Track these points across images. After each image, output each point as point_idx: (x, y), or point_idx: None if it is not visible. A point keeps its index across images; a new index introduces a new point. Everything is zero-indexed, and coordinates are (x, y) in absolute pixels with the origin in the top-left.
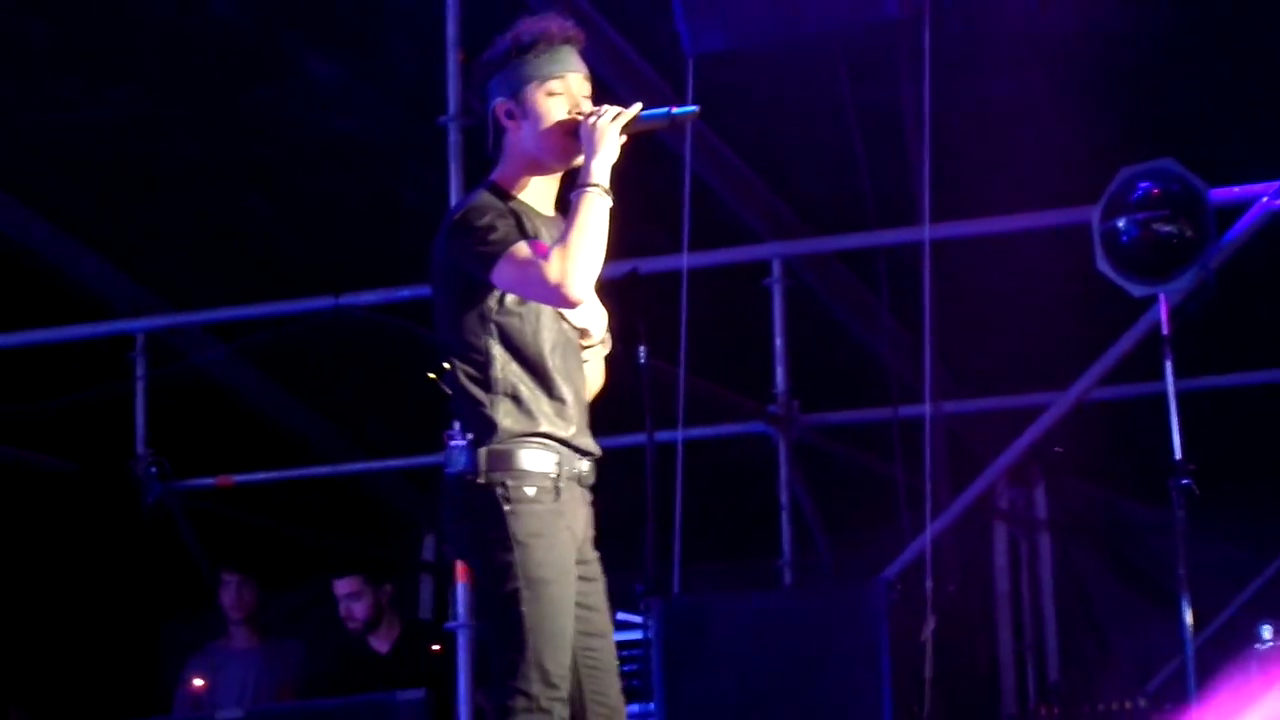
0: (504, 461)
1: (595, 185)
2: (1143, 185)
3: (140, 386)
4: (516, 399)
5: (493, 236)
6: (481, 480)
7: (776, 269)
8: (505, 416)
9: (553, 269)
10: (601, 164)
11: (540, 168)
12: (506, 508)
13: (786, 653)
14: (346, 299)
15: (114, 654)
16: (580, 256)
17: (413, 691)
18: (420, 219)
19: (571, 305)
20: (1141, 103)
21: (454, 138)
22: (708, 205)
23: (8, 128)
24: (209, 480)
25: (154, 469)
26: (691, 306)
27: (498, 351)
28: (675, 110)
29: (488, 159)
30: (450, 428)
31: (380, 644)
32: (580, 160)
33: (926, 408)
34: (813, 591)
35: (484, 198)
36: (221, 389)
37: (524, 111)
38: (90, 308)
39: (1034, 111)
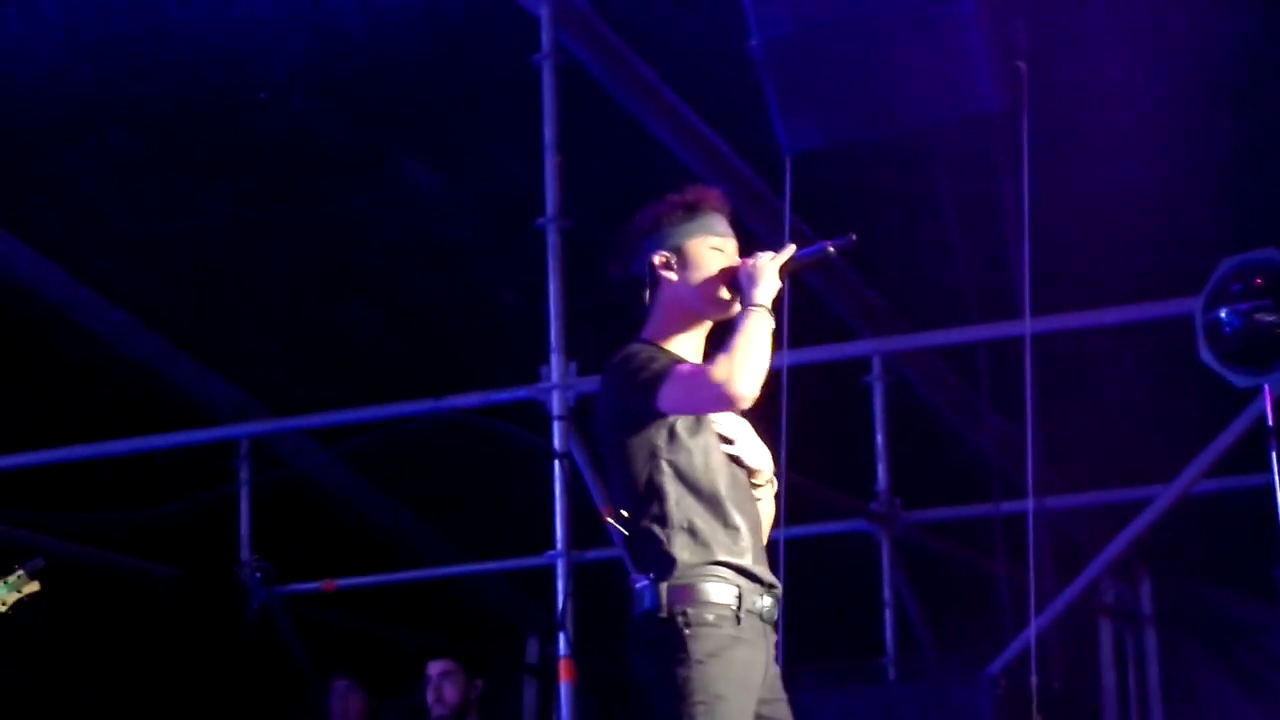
0: (685, 594)
1: (758, 305)
2: (1245, 275)
3: (244, 492)
4: (693, 532)
5: (655, 365)
6: (664, 614)
7: (876, 366)
8: (683, 550)
9: (719, 370)
10: (764, 292)
11: (693, 319)
12: (687, 631)
13: None
14: (447, 401)
15: None
16: (746, 357)
17: None
18: (519, 321)
19: (740, 403)
20: (1244, 191)
21: (552, 239)
22: (807, 303)
23: (112, 239)
24: (313, 585)
25: (258, 575)
26: (792, 405)
27: (671, 488)
28: (832, 245)
29: (585, 261)
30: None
31: None
32: (735, 311)
33: (1029, 503)
34: (917, 688)
35: (636, 346)
36: (324, 493)
37: (684, 262)
38: (195, 415)
39: (1135, 202)
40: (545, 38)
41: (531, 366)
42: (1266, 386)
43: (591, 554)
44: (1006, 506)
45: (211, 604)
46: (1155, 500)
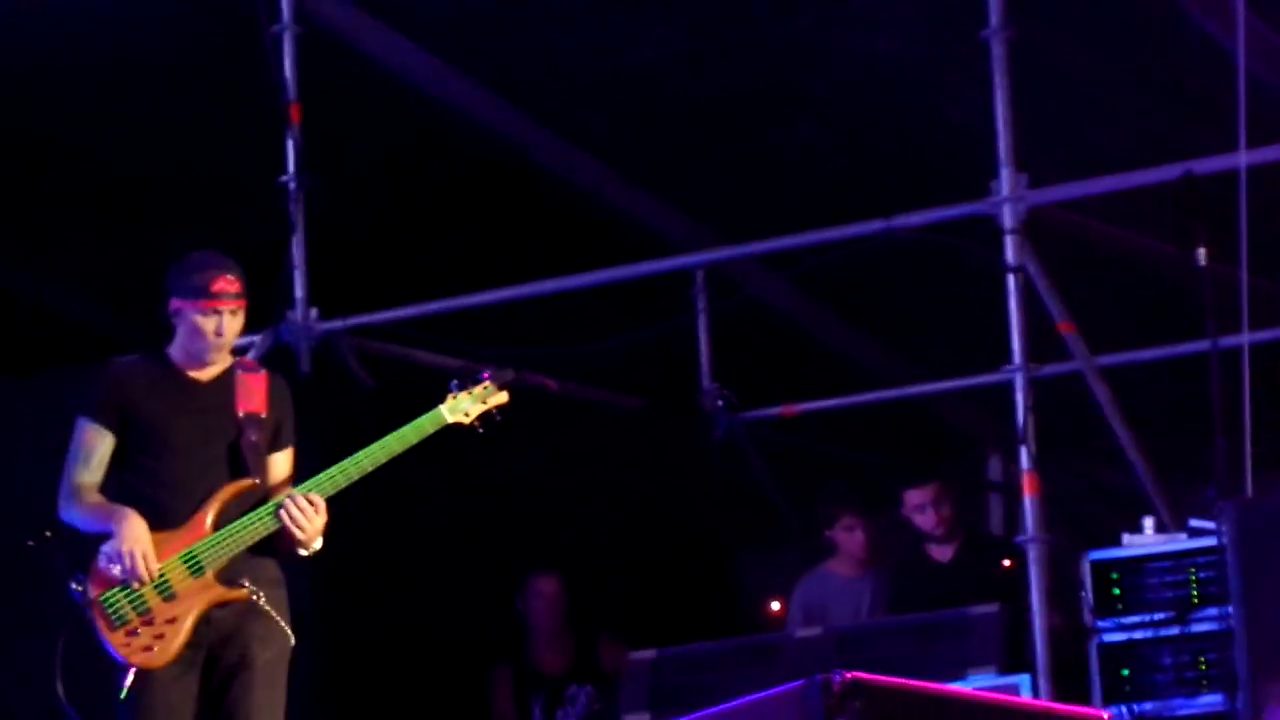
0: None
1: None
2: None
3: (702, 321)
4: None
5: None
6: None
7: None
8: None
9: None
10: None
11: None
12: None
13: None
14: (898, 220)
15: (693, 582)
16: None
17: (986, 607)
18: (966, 136)
19: None
20: None
21: (997, 51)
22: (1263, 101)
23: (559, 76)
24: (774, 410)
25: (721, 402)
26: (1252, 205)
27: None
28: None
29: (1032, 71)
30: None
31: (941, 553)
32: None
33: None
34: None
35: None
36: (780, 318)
37: None
38: (649, 246)
39: None
40: None
41: (982, 182)
42: None
43: (1048, 369)
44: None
45: (677, 432)
46: None
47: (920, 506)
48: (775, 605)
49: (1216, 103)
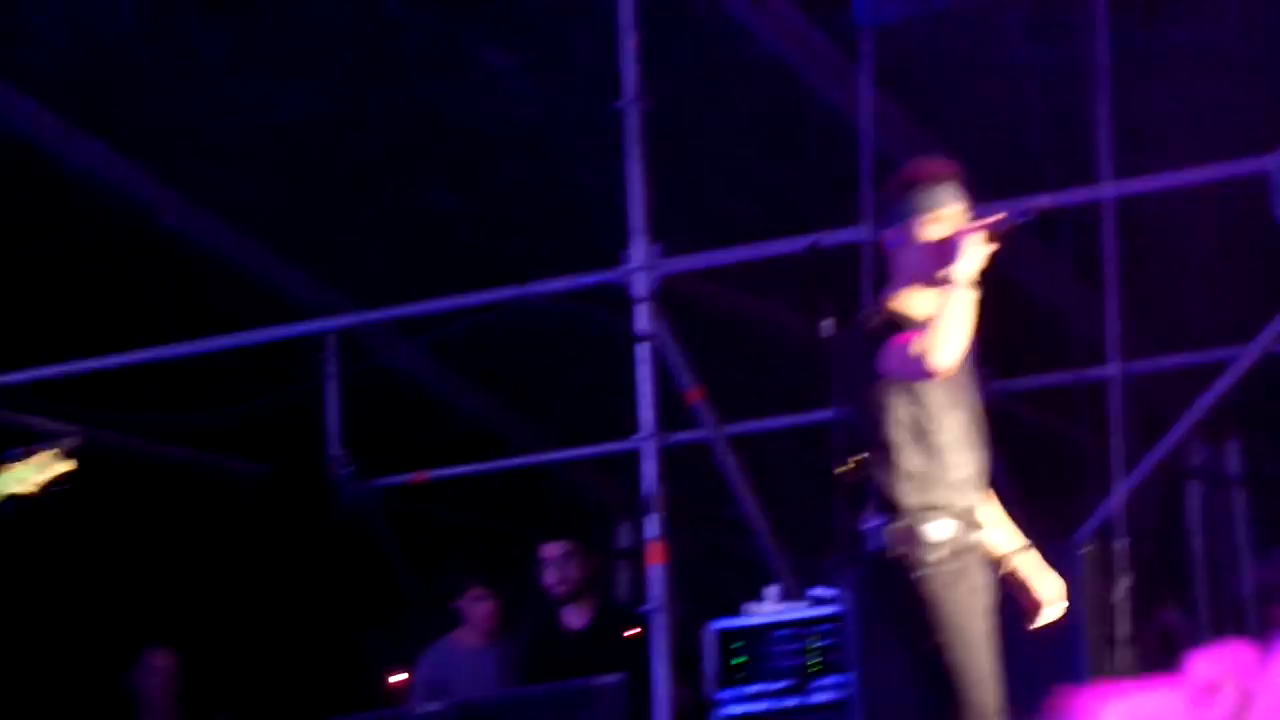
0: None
1: (956, 282)
2: None
3: (331, 386)
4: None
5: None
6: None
7: None
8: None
9: (916, 345)
10: (962, 268)
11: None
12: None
13: None
14: (532, 287)
15: (315, 657)
16: (940, 334)
17: (610, 677)
18: (602, 204)
19: (934, 376)
20: None
21: (631, 121)
22: (888, 173)
23: (191, 136)
24: (402, 478)
25: (349, 469)
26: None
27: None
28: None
29: (666, 143)
30: None
31: (576, 619)
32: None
33: (1112, 368)
34: None
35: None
36: (413, 385)
37: (913, 235)
38: (279, 310)
39: (1214, 60)
40: None
41: (616, 250)
42: None
43: (679, 436)
44: (1090, 372)
45: (301, 500)
46: (1237, 360)
47: (547, 562)
48: (398, 678)
49: (843, 174)
